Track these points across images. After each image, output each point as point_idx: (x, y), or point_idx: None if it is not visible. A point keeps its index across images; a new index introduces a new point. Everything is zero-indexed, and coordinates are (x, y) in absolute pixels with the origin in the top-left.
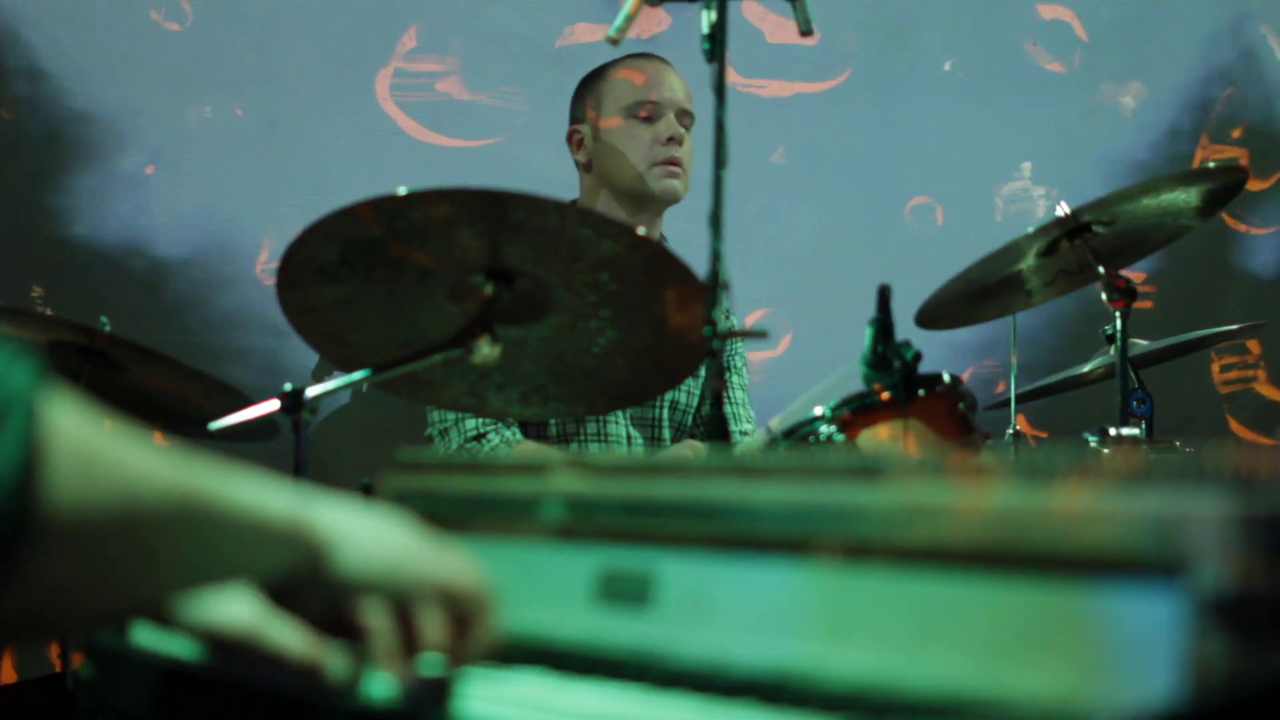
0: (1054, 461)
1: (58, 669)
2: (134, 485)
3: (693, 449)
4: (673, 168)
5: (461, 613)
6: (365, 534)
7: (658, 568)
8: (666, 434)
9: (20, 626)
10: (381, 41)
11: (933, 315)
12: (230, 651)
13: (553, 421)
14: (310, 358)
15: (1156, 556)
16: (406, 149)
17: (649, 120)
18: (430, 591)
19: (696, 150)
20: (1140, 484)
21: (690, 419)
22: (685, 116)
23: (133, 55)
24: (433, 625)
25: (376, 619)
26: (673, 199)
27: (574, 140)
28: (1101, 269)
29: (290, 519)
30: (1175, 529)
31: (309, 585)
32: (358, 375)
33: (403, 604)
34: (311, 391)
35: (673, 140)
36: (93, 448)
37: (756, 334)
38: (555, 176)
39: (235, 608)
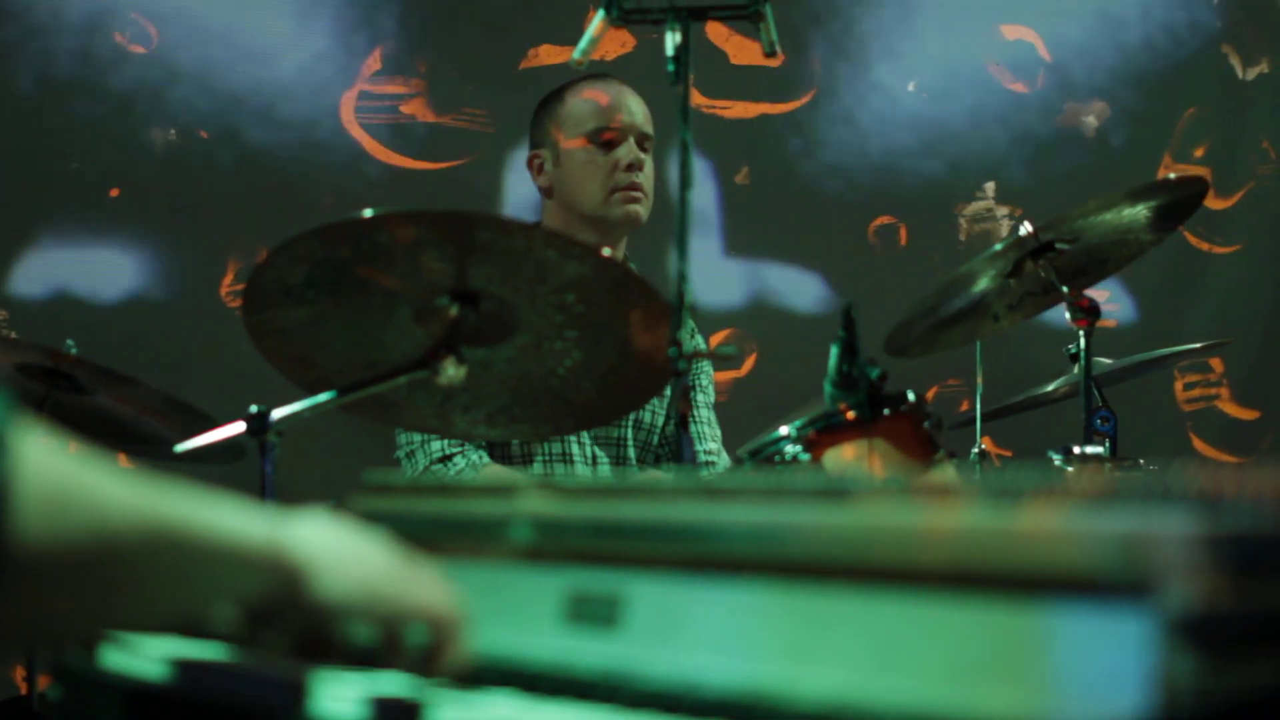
0: (1020, 481)
1: (23, 691)
2: (107, 517)
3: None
4: (634, 193)
5: (435, 634)
6: (342, 557)
7: (626, 589)
8: (631, 453)
9: None
10: (346, 63)
11: (901, 343)
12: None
13: (515, 441)
14: (276, 380)
15: (1124, 576)
16: (371, 170)
17: (609, 145)
18: (406, 614)
19: (661, 171)
20: (1107, 504)
21: (656, 438)
22: (646, 140)
23: (97, 77)
24: (406, 647)
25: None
26: (634, 224)
27: (534, 165)
28: (1065, 288)
29: (267, 544)
30: (1142, 548)
31: (287, 610)
32: (324, 397)
33: (378, 626)
34: (277, 414)
35: (633, 166)
36: (65, 480)
37: (723, 355)
38: (520, 199)
39: None
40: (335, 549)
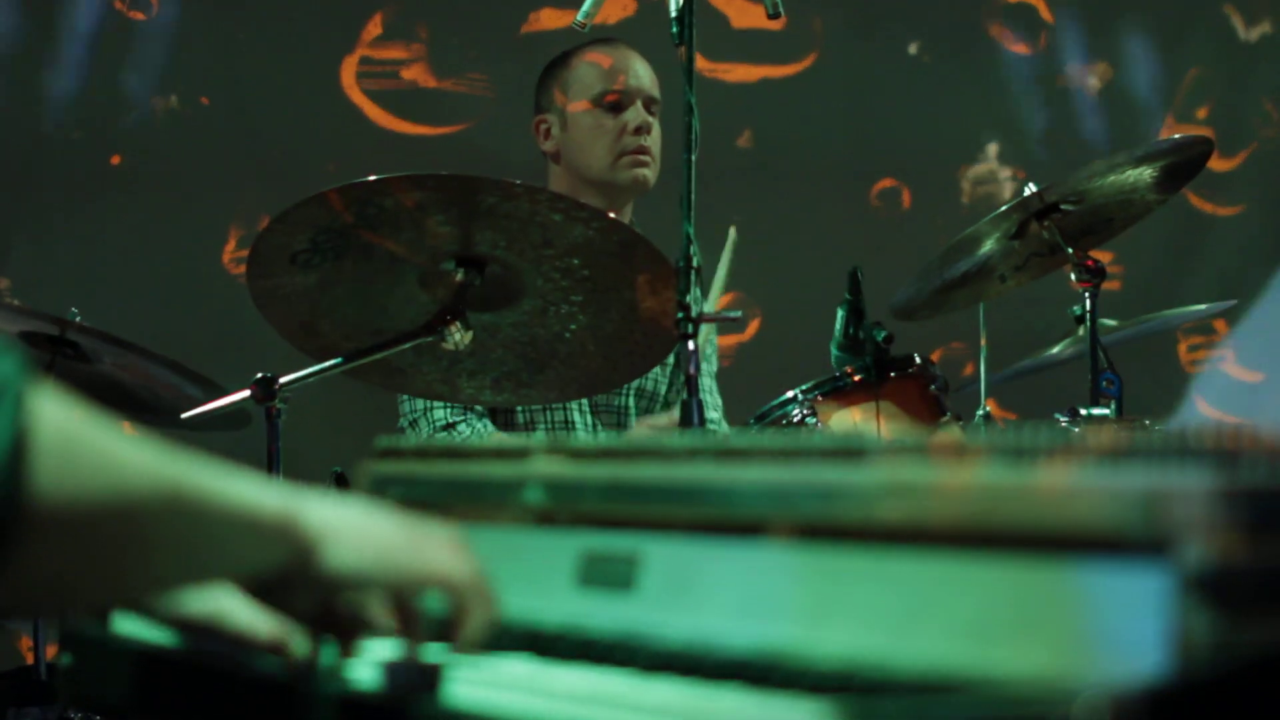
0: (1037, 439)
1: (29, 660)
2: (123, 476)
3: (653, 428)
4: (641, 156)
5: (456, 601)
6: (354, 528)
7: (641, 551)
8: (632, 421)
9: (7, 614)
10: (347, 28)
11: (905, 306)
12: (195, 635)
13: (519, 410)
14: (280, 347)
15: (1141, 532)
16: (373, 136)
17: (616, 108)
18: (423, 581)
19: (664, 135)
20: (1123, 461)
21: (658, 407)
22: (652, 103)
23: (98, 44)
24: (421, 617)
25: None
26: (642, 189)
27: (540, 130)
28: (1070, 249)
29: (281, 514)
30: (1160, 505)
31: (299, 581)
32: (330, 363)
33: (394, 596)
34: (283, 380)
35: (640, 129)
36: (81, 439)
37: (729, 318)
38: (523, 163)
39: (201, 593)
40: (347, 520)
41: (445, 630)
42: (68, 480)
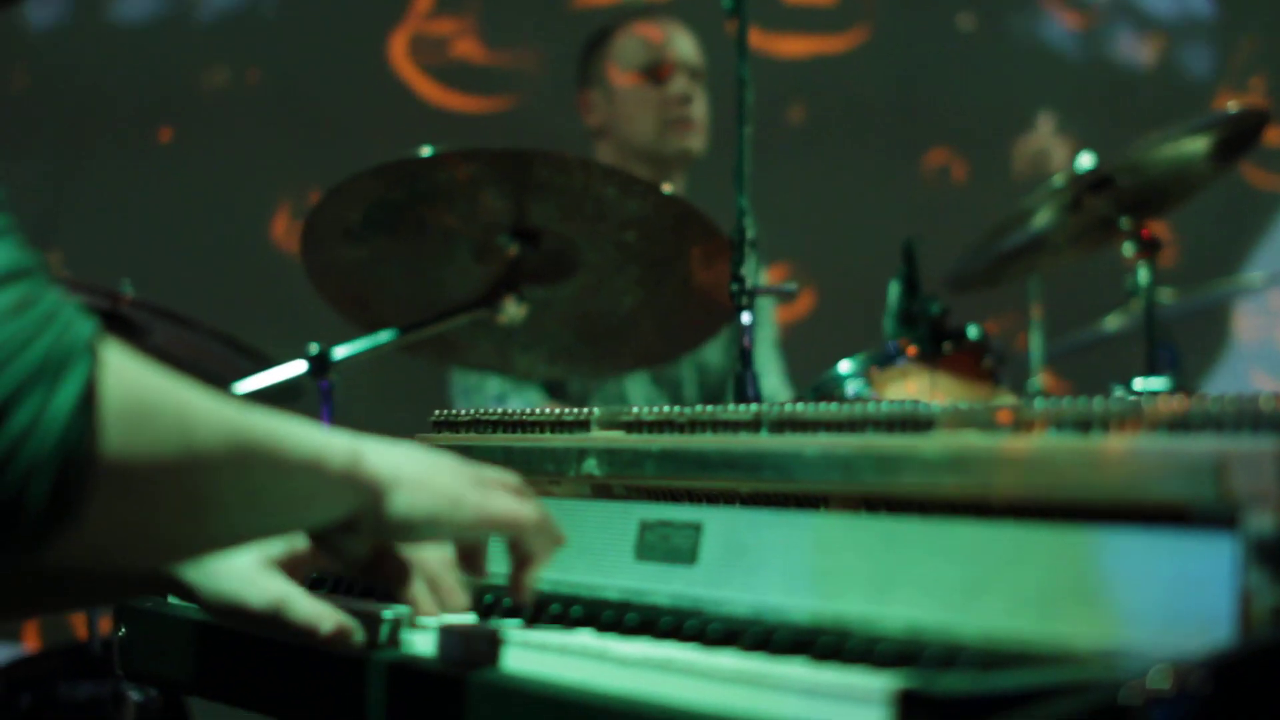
0: (1099, 409)
1: (83, 636)
2: (193, 427)
3: None
4: (688, 127)
5: (522, 543)
6: (420, 473)
7: (701, 522)
8: (688, 394)
9: (85, 566)
10: (398, 2)
11: (959, 278)
12: (258, 626)
13: (573, 382)
14: (331, 322)
15: (1207, 501)
16: (424, 110)
17: (661, 80)
18: (488, 525)
19: (716, 108)
20: (1188, 430)
21: (714, 379)
22: (698, 75)
23: (149, 19)
24: (484, 561)
25: (429, 563)
26: (689, 159)
27: (586, 104)
28: (1126, 222)
29: (349, 459)
30: (1226, 473)
31: (367, 527)
32: (384, 337)
33: (460, 540)
34: (339, 353)
35: (686, 100)
36: (150, 390)
37: (784, 291)
38: (576, 136)
39: (259, 583)
40: (412, 465)
41: (516, 572)
42: (138, 433)
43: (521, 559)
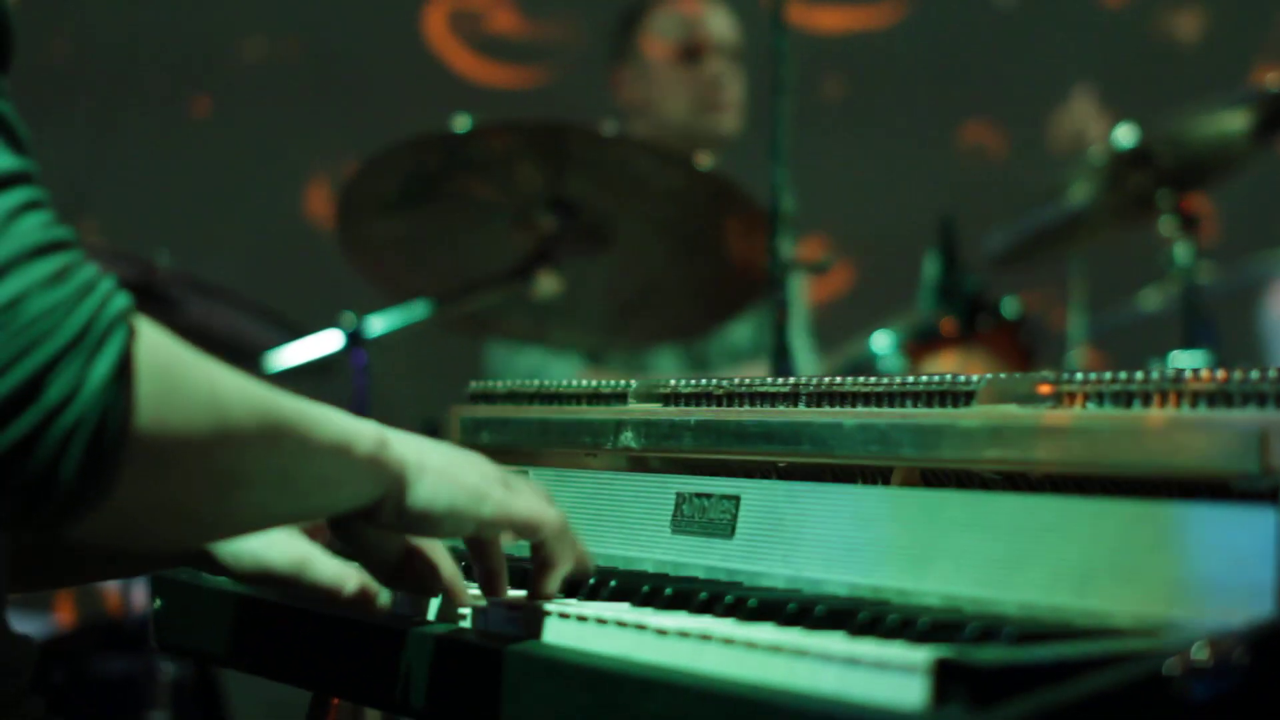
0: (1140, 381)
1: (117, 612)
2: (223, 403)
3: None
4: (722, 106)
5: (543, 547)
6: (444, 465)
7: (738, 495)
8: (716, 371)
9: (114, 543)
10: None
11: (997, 253)
12: (280, 587)
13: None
14: (368, 295)
15: (1251, 474)
16: (461, 83)
17: (697, 58)
18: (510, 523)
19: (753, 80)
20: (1229, 403)
21: (747, 356)
22: (734, 55)
23: None
24: (502, 559)
25: (444, 559)
26: (724, 137)
27: (619, 81)
28: (1164, 196)
29: (376, 445)
30: (1269, 446)
31: (389, 515)
32: (420, 309)
33: (480, 536)
34: (373, 326)
35: (721, 79)
36: (181, 364)
37: (818, 265)
38: (613, 111)
39: (280, 544)
40: (439, 455)
41: (537, 575)
42: (172, 409)
43: (543, 563)
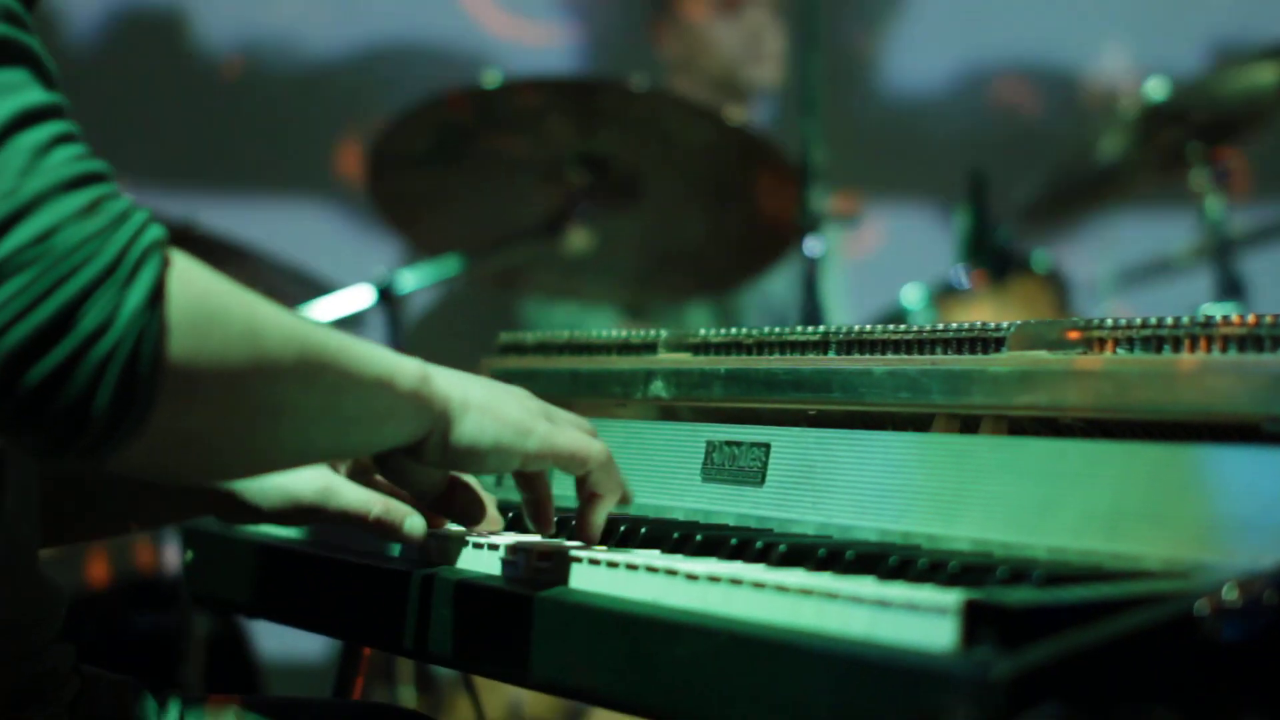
0: (1170, 326)
1: (149, 569)
2: (261, 334)
3: None
4: (764, 56)
5: (588, 480)
6: (488, 399)
7: (769, 443)
8: (750, 323)
9: (149, 477)
10: None
11: (1028, 208)
12: (305, 515)
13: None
14: (399, 253)
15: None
16: (490, 40)
17: (736, 9)
18: (555, 456)
19: (786, 34)
20: (1261, 347)
21: (775, 310)
22: (773, 2)
23: None
24: (549, 493)
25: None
26: (763, 88)
27: (658, 35)
28: (1195, 149)
29: (418, 379)
30: None
31: (433, 451)
32: (451, 265)
33: (525, 470)
34: (405, 282)
35: (763, 29)
36: (222, 300)
37: (849, 218)
38: (646, 68)
39: (304, 474)
40: (483, 390)
41: (583, 509)
42: (207, 340)
43: (588, 497)
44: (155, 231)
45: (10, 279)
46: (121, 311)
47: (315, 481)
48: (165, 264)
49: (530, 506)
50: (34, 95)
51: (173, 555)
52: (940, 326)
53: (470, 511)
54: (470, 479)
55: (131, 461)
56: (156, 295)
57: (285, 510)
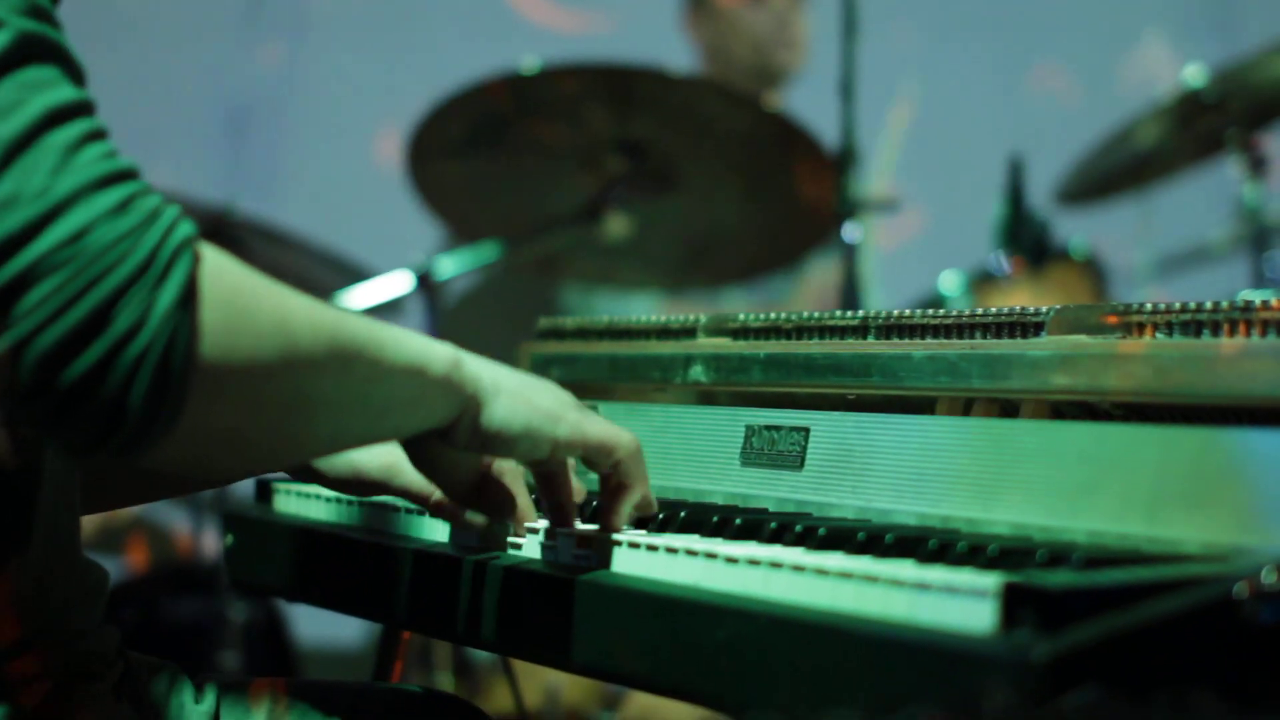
0: (1212, 310)
1: (189, 555)
2: (295, 330)
3: None
4: (788, 43)
5: (616, 471)
6: (518, 386)
7: (808, 427)
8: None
9: (184, 470)
10: None
11: (1065, 193)
12: (367, 488)
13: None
14: (436, 240)
15: None
16: (528, 28)
17: None
18: (584, 445)
19: (824, 19)
20: None
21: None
22: None
23: None
24: (572, 485)
25: (519, 486)
26: (786, 77)
27: (692, 25)
28: (1233, 136)
29: (449, 364)
30: None
31: (464, 435)
32: (489, 251)
33: (552, 459)
34: (444, 268)
35: (787, 15)
36: (253, 295)
37: (887, 204)
38: (680, 55)
39: (372, 448)
40: (514, 377)
41: (607, 500)
42: (239, 336)
43: (616, 488)
44: (186, 229)
45: (44, 280)
46: (153, 312)
47: (382, 457)
48: (196, 261)
49: (552, 510)
50: (64, 93)
51: (210, 541)
52: (979, 311)
53: (502, 505)
54: (510, 472)
55: (163, 457)
56: (188, 295)
57: (348, 480)
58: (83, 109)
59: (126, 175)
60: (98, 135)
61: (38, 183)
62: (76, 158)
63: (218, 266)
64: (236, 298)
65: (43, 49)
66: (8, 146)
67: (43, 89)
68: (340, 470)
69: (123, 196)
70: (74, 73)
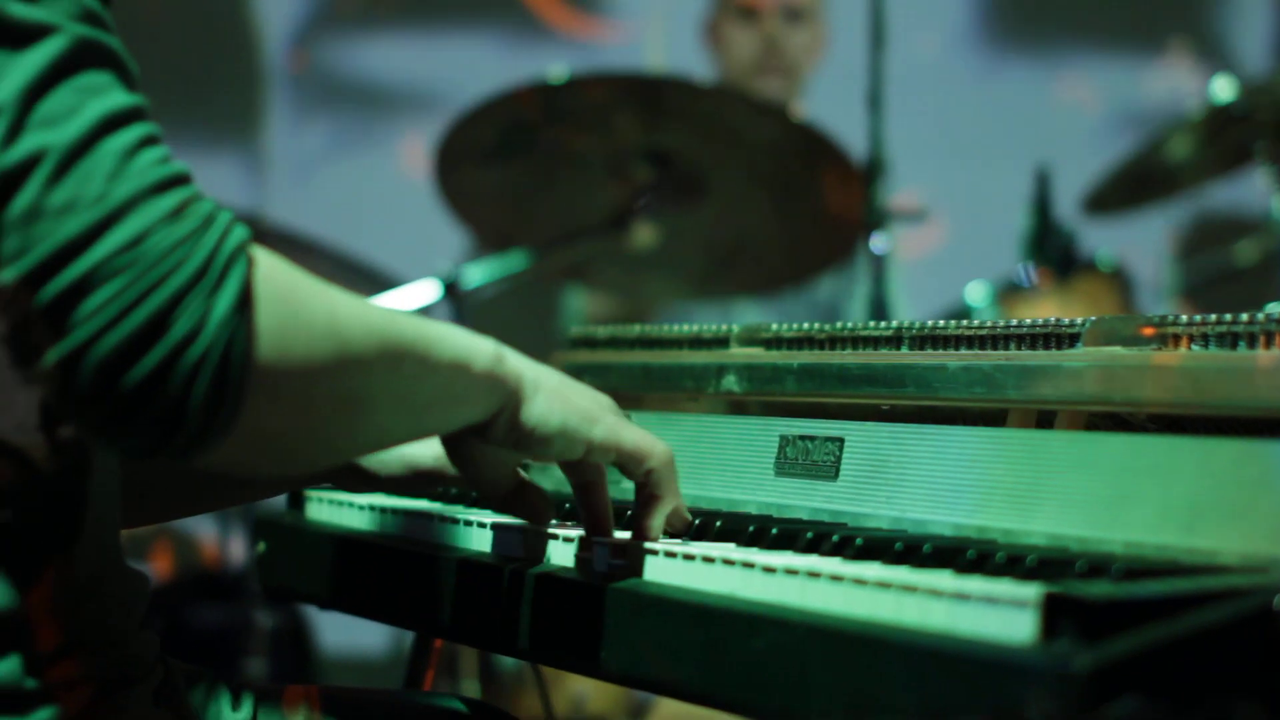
0: (1248, 321)
1: (214, 563)
2: (346, 330)
3: None
4: (774, 69)
5: (649, 478)
6: (559, 386)
7: (842, 438)
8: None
9: (239, 471)
10: None
11: (1092, 204)
12: (424, 480)
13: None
14: (463, 249)
15: None
16: (551, 37)
17: (751, 18)
18: (619, 448)
19: (850, 32)
20: None
21: (833, 307)
22: (796, 14)
23: None
24: (605, 488)
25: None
26: (775, 100)
27: (708, 37)
28: (1261, 148)
29: (494, 360)
30: None
31: (503, 431)
32: (516, 260)
33: (588, 459)
34: (471, 277)
35: (777, 40)
36: (305, 297)
37: (913, 213)
38: (704, 65)
39: (427, 440)
40: (554, 376)
41: (641, 508)
42: (293, 338)
43: (649, 497)
44: (240, 233)
45: (103, 285)
46: (211, 317)
47: (436, 447)
48: (250, 265)
49: (588, 519)
50: (119, 98)
51: (236, 549)
52: (1014, 322)
53: (539, 510)
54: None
55: (222, 458)
56: (244, 299)
57: (404, 477)
58: (138, 114)
59: (181, 180)
60: (152, 140)
61: (95, 188)
62: (133, 163)
63: (271, 270)
64: (290, 300)
65: (98, 54)
66: (66, 152)
67: (99, 94)
68: (393, 468)
69: (178, 201)
70: (128, 77)
